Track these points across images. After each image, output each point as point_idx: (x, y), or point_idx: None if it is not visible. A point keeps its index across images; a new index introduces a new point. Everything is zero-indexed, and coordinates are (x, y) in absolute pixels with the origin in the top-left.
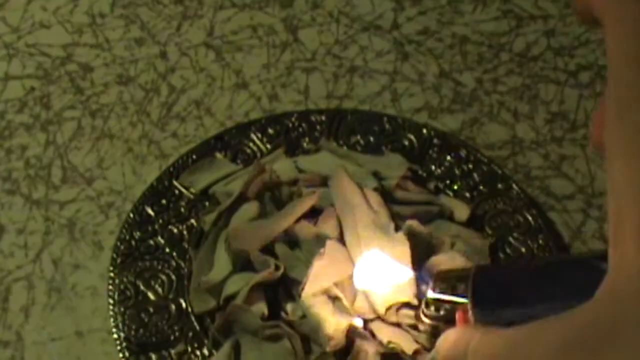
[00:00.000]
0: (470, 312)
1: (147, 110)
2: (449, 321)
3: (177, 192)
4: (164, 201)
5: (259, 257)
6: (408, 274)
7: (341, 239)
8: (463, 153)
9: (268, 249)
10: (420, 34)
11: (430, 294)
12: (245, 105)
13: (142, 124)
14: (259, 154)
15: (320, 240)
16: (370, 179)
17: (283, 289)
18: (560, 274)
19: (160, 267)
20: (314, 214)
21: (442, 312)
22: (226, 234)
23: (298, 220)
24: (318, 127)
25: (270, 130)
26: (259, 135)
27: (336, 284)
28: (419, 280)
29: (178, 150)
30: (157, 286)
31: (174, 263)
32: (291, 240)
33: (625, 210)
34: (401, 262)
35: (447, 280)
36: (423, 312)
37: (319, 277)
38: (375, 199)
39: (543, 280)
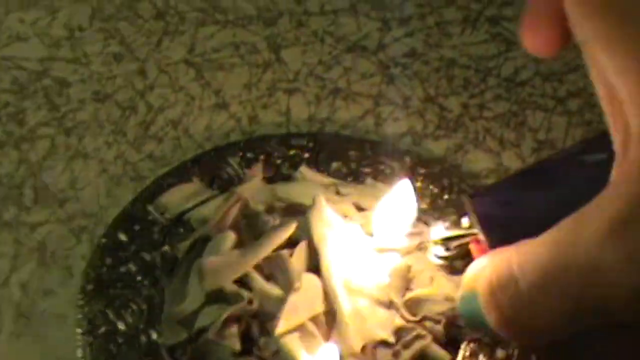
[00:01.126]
0: (484, 239)
1: (123, 129)
2: (461, 257)
3: (150, 217)
4: (137, 226)
5: (233, 290)
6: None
7: (318, 272)
8: (446, 182)
9: (243, 281)
10: (406, 56)
11: (437, 234)
12: (224, 126)
13: (117, 144)
14: (236, 179)
15: (296, 273)
16: (350, 209)
17: (257, 323)
18: (555, 175)
19: (131, 296)
20: (291, 245)
21: (451, 250)
22: (200, 264)
23: (275, 251)
24: (298, 152)
25: (249, 154)
26: (237, 159)
27: (311, 319)
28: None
29: (154, 172)
30: (127, 316)
31: (145, 292)
32: (267, 272)
33: (621, 91)
34: (379, 298)
35: (447, 216)
36: (435, 254)
37: (293, 312)
38: (354, 230)
39: (542, 185)
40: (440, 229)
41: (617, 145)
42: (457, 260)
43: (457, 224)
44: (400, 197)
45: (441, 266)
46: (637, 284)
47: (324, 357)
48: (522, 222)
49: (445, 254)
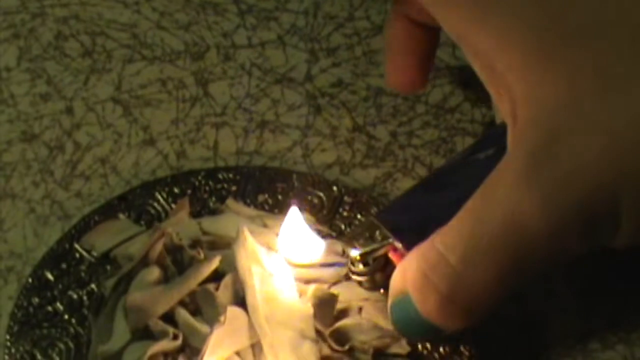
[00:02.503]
0: (400, 245)
1: (50, 168)
2: (381, 270)
3: (77, 255)
4: (64, 265)
5: (158, 326)
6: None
7: (244, 305)
8: (374, 211)
9: (168, 316)
10: (333, 86)
11: (354, 252)
12: (152, 162)
13: (45, 183)
14: (163, 215)
15: (221, 307)
16: (275, 241)
17: (184, 358)
18: (451, 178)
19: (58, 335)
20: (216, 278)
21: (371, 265)
22: (124, 301)
23: (200, 285)
24: (225, 185)
25: (176, 189)
26: (164, 194)
27: (237, 353)
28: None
29: (81, 210)
30: (54, 355)
31: (72, 330)
32: (192, 306)
33: (499, 65)
34: (305, 329)
35: (360, 235)
36: (353, 272)
37: (218, 345)
38: (279, 262)
39: (440, 189)
40: (355, 249)
41: (506, 116)
42: (377, 273)
43: (370, 239)
44: (293, 226)
45: (362, 281)
46: (555, 224)
47: None
48: (431, 221)
49: (364, 269)
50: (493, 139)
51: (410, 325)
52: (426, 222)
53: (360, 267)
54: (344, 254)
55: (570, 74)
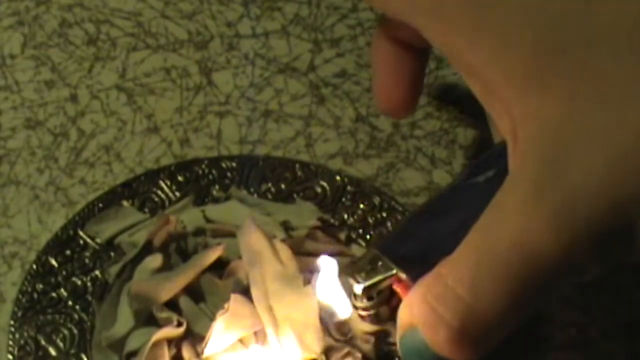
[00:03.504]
0: (405, 276)
1: (55, 155)
2: (385, 303)
3: (82, 242)
4: (68, 252)
5: (162, 312)
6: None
7: (248, 293)
8: (377, 201)
9: (172, 303)
10: (337, 76)
11: (357, 288)
12: (155, 150)
13: (49, 170)
14: (167, 202)
15: (225, 294)
16: (279, 229)
17: (187, 345)
18: (450, 204)
19: (62, 321)
20: (220, 266)
21: (375, 298)
22: (129, 288)
23: (203, 272)
24: (229, 174)
25: (180, 177)
26: (168, 182)
27: (241, 340)
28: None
29: (85, 197)
30: (58, 341)
31: (76, 316)
32: (196, 293)
33: (494, 82)
34: (309, 318)
35: (362, 268)
36: (357, 307)
37: (222, 333)
38: (284, 250)
39: (440, 216)
40: (358, 283)
41: (506, 134)
42: (383, 306)
43: (372, 272)
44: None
45: (367, 316)
46: (567, 243)
47: None
48: (434, 249)
49: (369, 303)
50: (492, 160)
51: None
52: (429, 251)
53: (365, 301)
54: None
55: (569, 86)
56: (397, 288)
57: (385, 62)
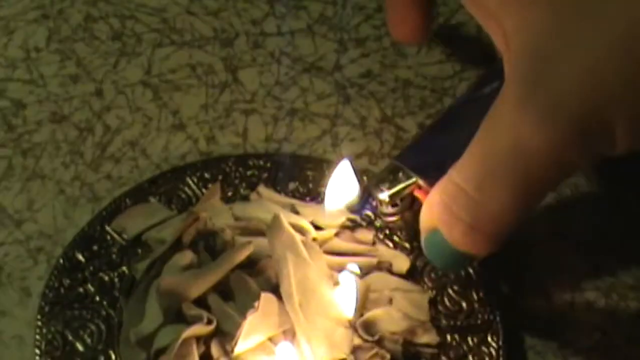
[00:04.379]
0: (424, 183)
1: (80, 150)
2: (409, 208)
3: (109, 237)
4: (95, 247)
5: (191, 310)
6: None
7: (277, 292)
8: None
9: (201, 300)
10: (362, 76)
11: (381, 195)
12: (181, 147)
13: (75, 165)
14: (194, 199)
15: (254, 293)
16: (308, 228)
17: (216, 343)
18: (461, 115)
19: (89, 317)
20: (249, 264)
21: (399, 205)
22: (158, 284)
23: (232, 270)
24: (256, 172)
25: (207, 175)
26: (195, 179)
27: (270, 339)
28: (364, 203)
29: (111, 193)
30: (85, 336)
31: (104, 312)
32: (225, 292)
33: (490, 4)
34: (338, 318)
35: (385, 179)
36: (383, 214)
37: (252, 332)
38: (313, 250)
39: (453, 127)
40: (382, 192)
41: (501, 48)
42: (406, 212)
43: (394, 181)
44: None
45: (392, 222)
46: (554, 141)
47: None
48: (448, 157)
49: (394, 210)
50: (496, 73)
51: (443, 257)
52: (445, 159)
53: (390, 208)
54: (371, 197)
55: (552, 1)
56: (418, 194)
57: None
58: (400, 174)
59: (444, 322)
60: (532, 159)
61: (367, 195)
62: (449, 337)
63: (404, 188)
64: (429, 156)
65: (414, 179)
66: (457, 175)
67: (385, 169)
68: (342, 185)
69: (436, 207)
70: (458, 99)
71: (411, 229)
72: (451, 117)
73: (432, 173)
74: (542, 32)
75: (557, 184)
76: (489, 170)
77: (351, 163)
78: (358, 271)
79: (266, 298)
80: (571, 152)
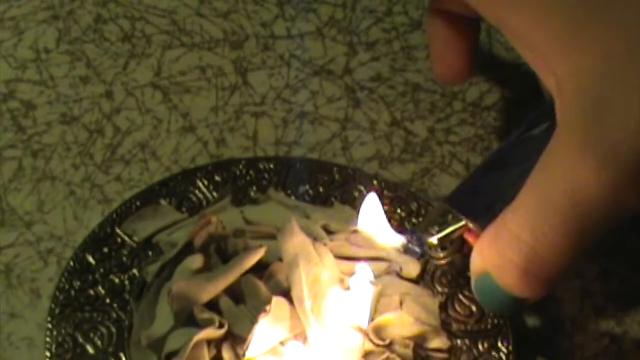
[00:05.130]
0: (474, 226)
1: (90, 151)
2: (459, 251)
3: (119, 240)
4: (105, 249)
5: (203, 313)
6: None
7: (288, 295)
8: (414, 206)
9: (212, 304)
10: (372, 80)
11: (431, 239)
12: (191, 149)
13: (85, 166)
14: (204, 202)
15: (266, 297)
16: (319, 232)
17: (227, 347)
18: (511, 156)
19: (100, 319)
20: (261, 268)
21: (448, 247)
22: (169, 288)
23: (244, 274)
24: (266, 175)
25: (217, 178)
26: (205, 182)
27: (282, 343)
28: (410, 247)
29: (121, 194)
30: (96, 339)
31: (114, 315)
32: (236, 295)
33: (538, 44)
34: (348, 321)
35: (434, 222)
36: (433, 257)
37: (263, 335)
38: (325, 254)
39: (502, 168)
40: (431, 235)
41: (552, 90)
42: (456, 254)
43: (444, 225)
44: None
45: (443, 265)
46: (612, 186)
47: None
48: (498, 200)
49: (443, 253)
50: (544, 113)
51: (495, 301)
52: (493, 202)
53: (439, 251)
54: (420, 241)
55: (603, 46)
56: (467, 237)
57: (440, 33)
58: (450, 217)
59: (454, 326)
60: (589, 204)
61: (416, 238)
62: (459, 342)
63: (453, 231)
64: (479, 198)
65: (463, 222)
66: (510, 220)
67: (435, 211)
68: (373, 221)
69: (488, 252)
70: (507, 140)
71: (461, 272)
72: (500, 158)
73: (482, 215)
74: (597, 77)
75: (613, 227)
76: (544, 215)
77: (378, 196)
78: (372, 277)
79: (277, 302)
80: (630, 197)
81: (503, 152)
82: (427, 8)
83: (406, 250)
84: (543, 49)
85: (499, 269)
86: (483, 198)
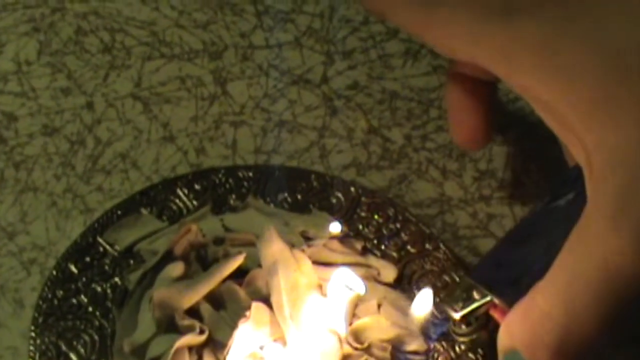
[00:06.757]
0: (500, 302)
1: (72, 162)
2: (483, 327)
3: (101, 249)
4: (87, 258)
5: (184, 320)
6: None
7: (268, 301)
8: (391, 212)
9: (193, 310)
10: (349, 88)
11: (455, 315)
12: (171, 159)
13: (66, 177)
14: (185, 211)
15: (245, 303)
16: (298, 239)
17: (208, 352)
18: (536, 229)
19: (83, 327)
20: (240, 274)
21: (473, 324)
22: (150, 295)
23: (224, 281)
24: (245, 183)
25: (197, 186)
26: (186, 191)
27: (262, 348)
28: (433, 323)
29: (103, 204)
30: (79, 347)
31: (97, 323)
32: (217, 301)
33: (566, 115)
34: (329, 327)
35: (459, 297)
36: (457, 334)
37: (243, 340)
38: (303, 260)
39: (528, 241)
40: (456, 311)
41: (581, 163)
42: (481, 331)
43: (468, 300)
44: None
45: (465, 342)
46: None
47: None
48: (525, 273)
49: (468, 329)
50: (570, 183)
51: None
52: (520, 276)
53: (463, 327)
54: (445, 317)
55: (632, 114)
56: (493, 313)
57: (459, 98)
58: (475, 292)
59: (431, 329)
60: (623, 282)
61: (441, 314)
62: (436, 345)
63: (478, 307)
64: (504, 272)
65: (488, 298)
66: (541, 296)
67: (459, 286)
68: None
69: (518, 330)
70: (531, 211)
71: (487, 348)
72: (525, 230)
73: (508, 291)
74: (630, 149)
75: None
76: (577, 293)
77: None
78: (358, 281)
79: (257, 307)
80: None
81: (528, 223)
82: (447, 72)
83: (429, 327)
84: (569, 119)
85: (529, 348)
86: (508, 272)
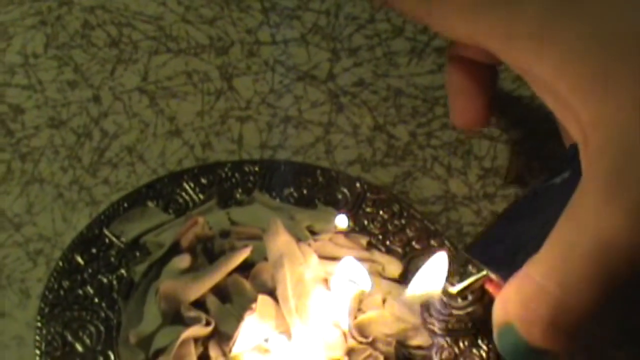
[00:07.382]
0: (496, 277)
1: (78, 155)
2: (479, 300)
3: (107, 240)
4: (93, 250)
5: (190, 312)
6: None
7: (273, 294)
8: (396, 208)
9: (199, 302)
10: (355, 85)
11: (452, 289)
12: (178, 153)
13: (73, 169)
14: (191, 204)
15: (251, 295)
16: (304, 233)
17: (214, 344)
18: (533, 205)
19: (88, 318)
20: (246, 267)
21: (469, 298)
22: (157, 287)
23: (230, 273)
24: (251, 177)
25: (203, 180)
26: (192, 184)
27: (267, 340)
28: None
29: (109, 197)
30: (85, 337)
31: (102, 314)
32: (223, 294)
33: (562, 92)
34: (333, 321)
35: (455, 272)
36: (453, 307)
37: (249, 333)
38: (309, 254)
39: (524, 217)
40: (452, 285)
41: (577, 139)
42: (476, 304)
43: (464, 274)
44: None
45: (463, 315)
46: (638, 236)
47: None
48: (520, 250)
49: (464, 303)
50: (566, 162)
51: (518, 353)
52: (515, 252)
53: (460, 301)
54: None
55: (631, 93)
56: (488, 287)
57: (459, 80)
58: (471, 267)
59: (435, 324)
60: (617, 254)
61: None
62: (440, 340)
63: (474, 281)
64: (500, 248)
65: (484, 272)
66: (535, 271)
67: (455, 261)
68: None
69: (512, 303)
70: (528, 189)
71: (482, 322)
72: (521, 207)
73: (503, 266)
74: (624, 127)
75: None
76: (571, 264)
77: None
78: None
79: (263, 300)
80: None
81: (524, 201)
82: (447, 55)
83: (428, 306)
84: (567, 97)
85: (524, 322)
86: (505, 248)
